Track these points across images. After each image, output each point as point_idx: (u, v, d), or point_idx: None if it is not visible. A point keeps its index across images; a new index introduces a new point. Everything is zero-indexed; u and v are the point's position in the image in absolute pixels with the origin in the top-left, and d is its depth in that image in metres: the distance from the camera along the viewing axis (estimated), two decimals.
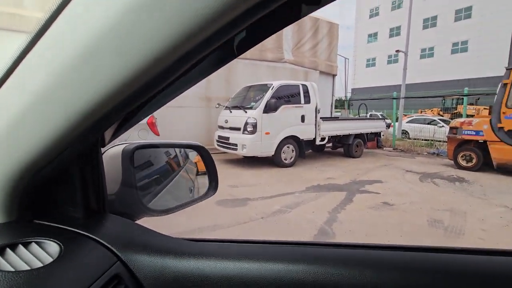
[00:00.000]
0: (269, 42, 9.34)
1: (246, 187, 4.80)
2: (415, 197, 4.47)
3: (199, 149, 0.82)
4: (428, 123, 13.45)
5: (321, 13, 11.82)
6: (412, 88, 25.83)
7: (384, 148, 10.03)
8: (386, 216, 3.64)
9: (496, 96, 5.80)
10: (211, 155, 0.83)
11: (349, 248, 0.53)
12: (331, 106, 11.72)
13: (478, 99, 16.29)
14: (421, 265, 0.47)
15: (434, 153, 8.83)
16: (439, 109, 19.54)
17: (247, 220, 3.39)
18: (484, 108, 15.99)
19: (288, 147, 6.60)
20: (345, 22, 60.23)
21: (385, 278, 0.45)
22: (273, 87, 6.38)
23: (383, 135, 9.62)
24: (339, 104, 20.95)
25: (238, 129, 6.28)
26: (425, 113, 18.90)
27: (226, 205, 3.87)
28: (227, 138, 6.48)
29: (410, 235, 3.07)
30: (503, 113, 5.62)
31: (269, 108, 6.17)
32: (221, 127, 6.90)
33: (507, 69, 5.73)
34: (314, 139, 7.11)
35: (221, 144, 6.71)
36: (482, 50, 25.98)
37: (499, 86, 5.74)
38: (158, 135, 5.06)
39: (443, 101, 18.99)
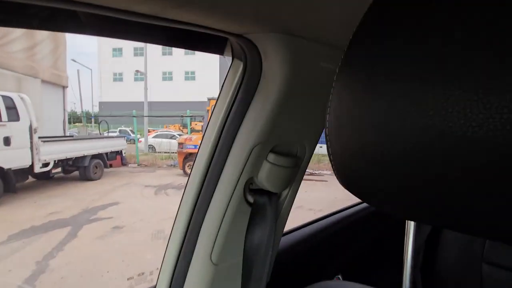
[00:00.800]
0: None
1: None
2: (148, 212, 4.76)
3: None
4: (170, 138, 15.28)
5: None
6: (158, 105, 28.38)
7: (129, 165, 10.03)
8: (113, 242, 3.52)
9: (204, 118, 7.65)
10: None
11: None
12: (64, 123, 9.94)
13: (203, 118, 21.09)
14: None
15: (172, 164, 10.11)
16: (180, 125, 23.00)
17: None
18: None
19: None
20: None
21: None
22: None
23: (125, 153, 9.59)
24: (86, 119, 18.46)
25: None
26: (169, 129, 21.42)
27: None
28: None
29: (130, 256, 3.14)
30: None
31: None
32: None
33: (208, 99, 7.77)
34: (32, 165, 5.58)
35: None
36: (205, 79, 34.00)
37: (205, 111, 7.65)
38: None
39: (182, 118, 22.57)
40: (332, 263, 0.93)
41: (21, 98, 5.48)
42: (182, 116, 21.71)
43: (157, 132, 17.02)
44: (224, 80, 0.55)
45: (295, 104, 0.53)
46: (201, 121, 21.76)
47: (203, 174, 0.57)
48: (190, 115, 11.55)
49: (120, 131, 17.75)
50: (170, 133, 16.95)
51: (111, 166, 8.62)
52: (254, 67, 0.51)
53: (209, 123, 0.57)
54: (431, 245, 1.05)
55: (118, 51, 35.97)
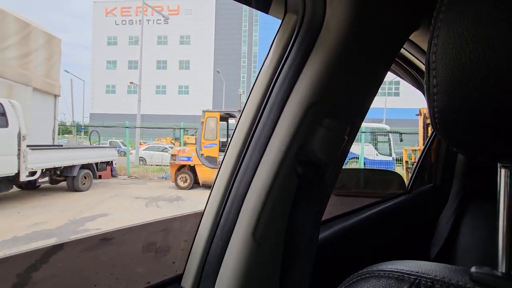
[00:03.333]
0: None
1: None
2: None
3: None
4: (161, 151, 15.09)
5: (44, 21, 9.74)
6: (150, 118, 28.18)
7: (119, 177, 9.79)
8: (100, 254, 3.34)
9: (198, 130, 7.62)
10: None
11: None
12: (53, 132, 9.71)
13: (196, 131, 21.03)
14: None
15: (163, 177, 9.92)
16: (172, 138, 22.83)
17: None
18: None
19: None
20: (85, 41, 54.83)
21: None
22: None
23: (115, 164, 9.37)
24: (76, 129, 18.15)
25: None
26: (161, 142, 21.20)
27: None
28: None
29: (120, 269, 2.99)
30: (203, 143, 7.50)
31: None
32: None
33: (203, 111, 7.77)
34: (18, 174, 5.37)
35: None
36: (199, 93, 34.18)
37: (200, 123, 7.63)
38: None
39: (173, 131, 22.45)
40: (367, 255, 0.90)
41: (12, 105, 5.35)
42: (174, 129, 21.61)
43: (148, 144, 16.82)
44: (273, 41, 0.52)
45: (354, 61, 0.49)
46: (193, 135, 21.69)
47: (246, 138, 0.51)
48: (183, 127, 11.48)
49: (110, 143, 17.43)
50: (162, 145, 16.77)
51: (100, 177, 8.37)
52: (315, 15, 0.47)
53: (255, 82, 0.53)
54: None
55: (112, 64, 36.05)
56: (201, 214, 0.56)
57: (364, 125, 10.02)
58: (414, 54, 0.85)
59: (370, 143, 10.92)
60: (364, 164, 9.73)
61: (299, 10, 0.48)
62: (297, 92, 0.49)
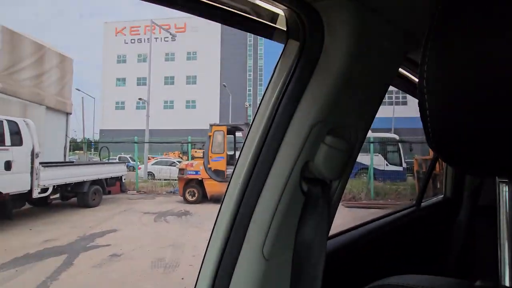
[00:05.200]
0: None
1: None
2: (147, 239, 4.59)
3: None
4: (169, 165, 15.19)
5: (58, 42, 10.22)
6: (159, 133, 28.57)
7: (128, 192, 9.86)
8: (110, 271, 3.35)
9: (205, 144, 7.68)
10: None
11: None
12: (65, 148, 9.93)
13: (203, 145, 21.19)
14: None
15: (171, 191, 9.94)
16: (180, 152, 23.01)
17: None
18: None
19: None
20: (94, 59, 56.88)
21: None
22: None
23: (125, 179, 9.47)
24: (87, 146, 18.53)
25: None
26: (169, 156, 21.39)
27: None
28: None
29: (128, 286, 2.98)
30: (210, 157, 7.54)
31: None
32: None
33: (210, 125, 7.85)
34: (31, 191, 5.48)
35: None
36: (206, 107, 34.64)
37: (207, 137, 7.70)
38: None
39: (181, 145, 22.65)
40: (376, 269, 0.89)
41: (26, 124, 5.53)
42: (182, 143, 21.81)
43: (157, 159, 16.98)
44: (276, 64, 0.55)
45: (354, 83, 0.52)
46: (201, 149, 21.84)
47: (254, 156, 0.53)
48: (191, 141, 11.59)
49: (119, 158, 17.68)
50: (170, 160, 16.90)
51: (109, 192, 8.46)
52: (314, 42, 0.50)
53: (261, 103, 0.55)
54: None
55: (121, 81, 37.05)
56: (213, 226, 0.58)
57: (372, 135, 9.91)
58: (412, 68, 0.87)
59: (379, 153, 10.76)
60: (374, 175, 9.54)
61: (300, 38, 0.51)
62: (300, 112, 0.51)
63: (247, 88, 37.22)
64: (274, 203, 0.51)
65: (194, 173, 7.56)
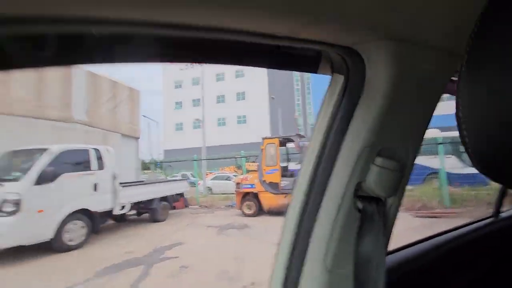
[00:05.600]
0: (51, 97, 7.94)
1: None
2: (211, 252, 4.84)
3: None
4: (225, 179, 15.85)
5: (129, 78, 11.81)
6: (214, 150, 30.19)
7: (190, 207, 10.56)
8: (181, 281, 3.61)
9: (258, 157, 7.85)
10: None
11: None
12: (137, 169, 11.24)
13: (256, 158, 21.65)
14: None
15: (229, 205, 10.33)
16: (235, 167, 23.86)
17: None
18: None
19: (75, 223, 5.39)
20: (153, 87, 63.94)
21: None
22: (51, 152, 5.24)
23: (187, 195, 10.18)
24: (154, 166, 20.62)
25: None
26: (224, 171, 22.32)
27: None
28: None
29: None
30: (264, 170, 7.67)
31: (44, 179, 4.92)
32: None
33: (262, 138, 8.03)
34: (112, 208, 6.30)
35: None
36: (256, 121, 35.56)
37: (260, 150, 7.87)
38: None
39: (236, 160, 23.47)
40: (444, 286, 0.82)
41: (107, 150, 6.45)
42: (236, 158, 22.57)
43: (215, 174, 17.89)
44: (325, 95, 0.60)
45: (399, 107, 0.55)
46: (254, 162, 22.31)
47: (310, 179, 0.59)
48: (244, 155, 11.96)
49: (182, 175, 19.11)
50: (226, 174, 17.63)
51: (174, 207, 9.19)
52: (357, 76, 0.55)
53: (314, 131, 0.62)
54: None
55: (179, 104, 40.57)
56: (280, 240, 0.63)
57: (442, 134, 8.84)
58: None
59: (452, 154, 9.47)
60: (448, 179, 8.40)
61: (344, 72, 0.56)
62: (349, 137, 0.56)
63: (296, 98, 37.12)
64: (331, 218, 0.56)
65: (250, 186, 7.76)
